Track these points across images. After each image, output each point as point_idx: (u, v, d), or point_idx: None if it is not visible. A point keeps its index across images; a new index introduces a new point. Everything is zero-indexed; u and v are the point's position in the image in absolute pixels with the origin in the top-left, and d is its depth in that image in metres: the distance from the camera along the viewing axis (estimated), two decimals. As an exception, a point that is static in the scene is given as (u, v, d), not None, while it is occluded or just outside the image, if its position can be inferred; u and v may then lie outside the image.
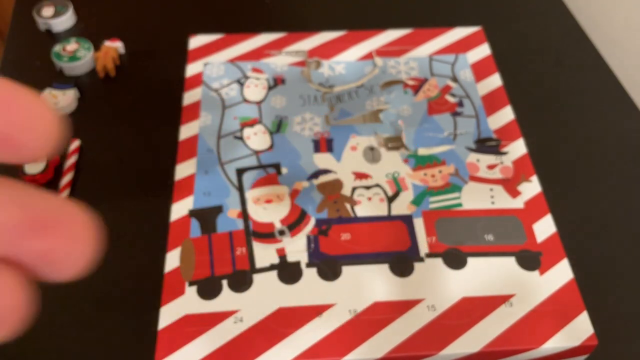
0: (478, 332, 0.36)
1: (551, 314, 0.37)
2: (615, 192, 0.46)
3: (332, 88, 0.50)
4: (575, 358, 0.37)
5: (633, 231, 0.43)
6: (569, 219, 0.43)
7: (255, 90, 0.50)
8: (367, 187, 0.43)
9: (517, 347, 0.35)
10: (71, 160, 0.45)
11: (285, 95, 0.49)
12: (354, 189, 0.43)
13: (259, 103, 0.49)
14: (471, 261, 0.39)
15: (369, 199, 0.42)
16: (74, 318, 0.38)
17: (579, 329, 0.36)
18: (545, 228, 0.41)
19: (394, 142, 0.46)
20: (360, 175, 0.44)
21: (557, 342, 0.35)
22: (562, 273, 0.39)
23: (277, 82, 0.50)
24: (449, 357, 0.35)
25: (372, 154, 0.45)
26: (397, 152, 0.45)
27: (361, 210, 0.42)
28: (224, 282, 0.38)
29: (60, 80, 0.51)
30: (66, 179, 0.44)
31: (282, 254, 0.39)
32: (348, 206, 0.42)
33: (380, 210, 0.42)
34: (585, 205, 0.45)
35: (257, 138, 0.46)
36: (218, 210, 0.41)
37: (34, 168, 0.44)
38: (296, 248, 0.39)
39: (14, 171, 0.45)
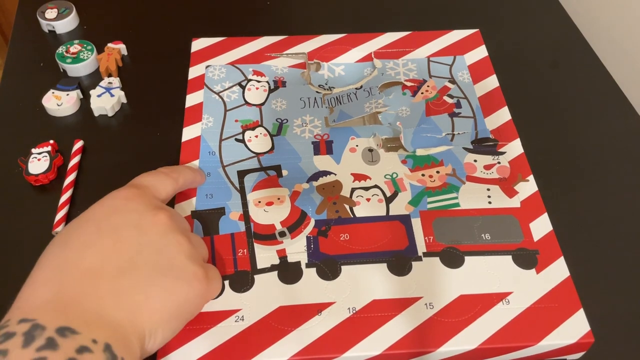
0: (476, 329, 0.36)
1: (548, 312, 0.37)
2: (611, 190, 0.46)
3: (332, 90, 0.51)
4: (572, 355, 0.38)
5: (629, 229, 0.44)
6: (565, 218, 0.44)
7: (256, 93, 0.50)
8: (366, 188, 0.44)
9: (514, 343, 0.36)
10: (74, 161, 0.46)
11: (285, 98, 0.50)
12: (353, 190, 0.43)
13: (259, 106, 0.49)
14: (468, 260, 0.40)
15: (368, 199, 0.43)
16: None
17: (576, 326, 0.37)
18: (541, 227, 0.41)
19: (393, 143, 0.47)
20: (359, 177, 0.44)
21: (554, 339, 0.36)
22: (558, 271, 0.39)
23: (277, 84, 0.51)
24: (447, 354, 0.36)
25: (371, 156, 0.46)
26: (396, 154, 0.46)
27: (360, 211, 0.42)
28: (226, 283, 0.38)
29: (63, 81, 0.51)
30: (69, 179, 0.45)
31: (282, 255, 0.40)
32: (347, 207, 0.42)
33: (379, 210, 0.42)
34: (581, 204, 0.45)
35: (258, 141, 0.47)
36: (220, 212, 0.42)
37: (37, 168, 0.45)
38: (296, 249, 0.40)
39: (17, 171, 0.45)
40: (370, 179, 0.44)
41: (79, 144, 0.47)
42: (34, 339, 0.23)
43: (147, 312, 0.29)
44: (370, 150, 0.46)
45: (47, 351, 0.22)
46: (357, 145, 0.46)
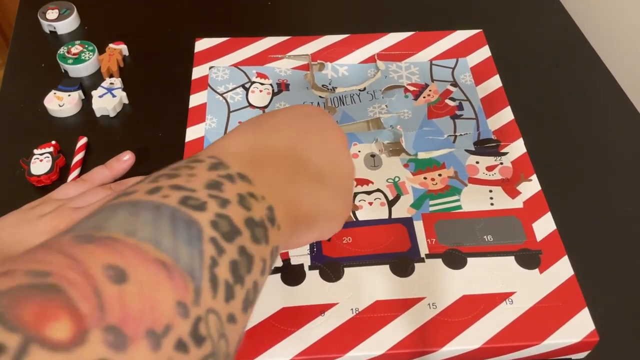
0: (479, 329, 0.36)
1: (552, 311, 0.37)
2: (615, 188, 0.47)
3: (335, 90, 0.51)
4: (577, 354, 0.38)
5: (633, 226, 0.44)
6: (569, 216, 0.43)
7: (260, 95, 0.50)
8: (368, 192, 0.44)
9: (518, 342, 0.36)
10: (79, 157, 0.46)
11: (289, 102, 0.50)
12: (355, 195, 0.43)
13: (263, 109, 0.49)
14: (471, 261, 0.40)
15: (370, 203, 0.43)
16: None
17: (580, 325, 0.37)
18: (545, 226, 0.42)
19: (394, 147, 0.47)
20: (361, 181, 0.44)
21: (558, 338, 0.36)
22: (562, 270, 0.39)
23: (281, 87, 0.51)
24: (451, 354, 0.36)
25: (373, 161, 0.46)
26: (398, 158, 0.46)
27: (362, 215, 0.42)
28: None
29: (65, 82, 0.51)
30: (73, 175, 0.45)
31: (285, 258, 0.40)
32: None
33: (381, 213, 0.42)
34: (585, 203, 0.45)
35: None
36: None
37: (39, 169, 0.44)
38: (299, 252, 0.40)
39: (19, 172, 0.45)
40: (372, 183, 0.44)
41: (82, 141, 0.47)
42: (218, 169, 0.25)
43: (309, 208, 0.29)
44: (373, 155, 0.46)
45: (226, 180, 0.25)
46: (359, 151, 0.46)
